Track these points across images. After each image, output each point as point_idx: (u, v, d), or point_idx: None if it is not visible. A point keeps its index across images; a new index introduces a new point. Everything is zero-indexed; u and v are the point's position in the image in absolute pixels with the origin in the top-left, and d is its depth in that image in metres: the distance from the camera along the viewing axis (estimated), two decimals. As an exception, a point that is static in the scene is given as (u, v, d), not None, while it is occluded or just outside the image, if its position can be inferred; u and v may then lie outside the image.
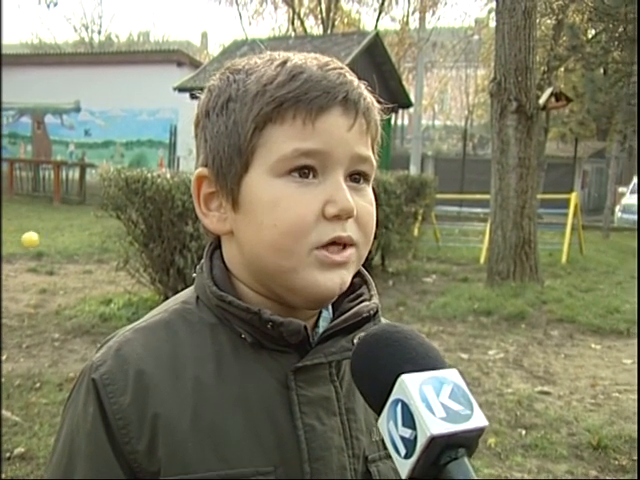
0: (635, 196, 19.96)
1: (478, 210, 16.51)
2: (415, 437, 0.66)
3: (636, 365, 5.59)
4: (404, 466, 0.67)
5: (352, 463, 0.84)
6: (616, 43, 15.49)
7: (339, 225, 0.79)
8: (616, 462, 3.79)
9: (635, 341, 6.36)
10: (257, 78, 0.80)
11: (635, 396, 4.86)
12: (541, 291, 8.22)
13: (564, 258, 11.11)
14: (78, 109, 21.90)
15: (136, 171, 6.32)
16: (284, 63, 0.81)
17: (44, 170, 19.39)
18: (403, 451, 0.67)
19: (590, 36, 17.38)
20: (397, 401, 0.68)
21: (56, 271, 8.82)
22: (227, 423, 0.80)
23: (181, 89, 16.52)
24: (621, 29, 14.69)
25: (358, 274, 0.89)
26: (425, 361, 0.72)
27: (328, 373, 0.84)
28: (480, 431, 0.68)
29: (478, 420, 0.67)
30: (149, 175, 6.04)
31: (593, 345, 6.27)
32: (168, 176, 6.04)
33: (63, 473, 0.81)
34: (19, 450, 3.56)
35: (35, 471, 3.36)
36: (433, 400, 0.67)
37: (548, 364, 5.62)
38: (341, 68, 0.82)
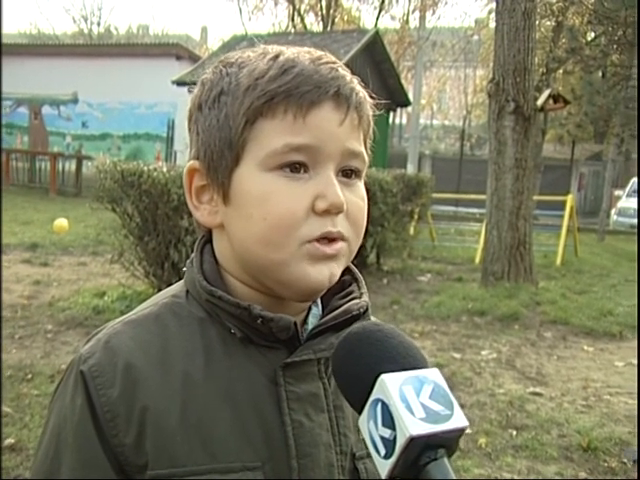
0: (632, 199, 20.00)
1: (474, 210, 16.53)
2: (395, 437, 0.65)
3: (628, 368, 5.61)
4: (384, 466, 0.67)
5: (340, 460, 0.84)
6: (615, 46, 15.52)
7: (329, 220, 0.79)
8: (606, 464, 3.80)
9: (628, 344, 6.38)
10: (249, 72, 0.80)
11: (626, 399, 4.87)
12: (535, 292, 8.23)
13: (559, 260, 11.13)
14: (76, 101, 21.83)
15: (132, 164, 6.31)
16: (276, 57, 0.80)
17: (40, 161, 19.33)
18: (383, 451, 0.67)
19: (589, 39, 17.40)
20: (377, 401, 0.68)
21: (50, 262, 8.80)
22: (215, 418, 0.80)
23: (179, 83, 16.50)
24: (620, 32, 14.70)
25: (348, 271, 0.89)
26: (406, 360, 0.71)
27: (317, 370, 0.83)
28: (460, 432, 0.67)
29: (458, 420, 0.67)
30: (145, 168, 6.03)
31: (586, 347, 6.29)
32: (164, 170, 6.03)
33: (50, 466, 0.81)
34: (9, 441, 3.55)
35: (25, 462, 3.35)
36: (413, 400, 0.66)
37: (540, 365, 5.63)
38: (334, 62, 0.82)
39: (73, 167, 18.96)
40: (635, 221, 17.84)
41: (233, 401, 0.81)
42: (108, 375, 0.79)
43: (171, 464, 0.77)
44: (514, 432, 4.16)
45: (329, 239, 0.80)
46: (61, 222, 10.86)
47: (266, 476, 0.79)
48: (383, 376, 0.68)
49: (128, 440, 0.78)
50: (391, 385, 0.67)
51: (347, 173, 0.82)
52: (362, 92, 0.83)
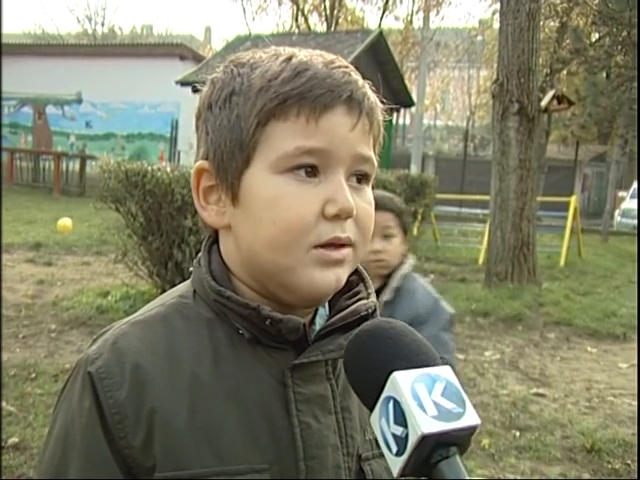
0: (635, 201, 19.96)
1: (478, 211, 16.53)
2: (406, 435, 0.65)
3: (632, 369, 5.60)
4: (395, 463, 0.67)
5: (346, 462, 0.84)
6: (619, 47, 15.50)
7: (338, 225, 0.79)
8: (609, 466, 3.80)
9: (631, 345, 6.36)
10: (262, 73, 0.79)
11: (629, 400, 4.86)
12: (539, 293, 8.22)
13: (562, 261, 11.11)
14: (79, 100, 21.86)
15: (136, 164, 6.31)
16: (289, 59, 0.80)
17: (44, 161, 19.35)
18: (395, 448, 0.67)
19: (593, 40, 17.38)
20: (389, 398, 0.68)
21: (54, 262, 8.80)
22: (223, 419, 0.79)
23: (183, 83, 16.49)
24: (624, 33, 14.68)
25: (355, 271, 0.88)
26: (418, 358, 0.71)
27: (324, 371, 0.83)
28: (472, 430, 0.67)
29: (470, 419, 0.67)
30: (149, 168, 6.04)
31: (589, 348, 6.28)
32: (168, 170, 6.03)
33: (57, 468, 0.80)
34: (13, 440, 3.55)
35: (29, 461, 3.36)
36: (425, 398, 0.66)
37: (544, 366, 5.62)
38: (346, 67, 0.81)
39: (77, 167, 18.97)
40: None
41: (241, 402, 0.80)
42: (116, 377, 0.78)
43: (178, 466, 0.77)
44: (517, 433, 4.15)
45: (336, 245, 0.79)
46: (65, 222, 10.89)
47: (273, 478, 0.79)
48: (395, 374, 0.68)
49: (136, 442, 0.77)
50: (403, 383, 0.67)
51: (357, 178, 0.82)
52: (373, 97, 0.83)
